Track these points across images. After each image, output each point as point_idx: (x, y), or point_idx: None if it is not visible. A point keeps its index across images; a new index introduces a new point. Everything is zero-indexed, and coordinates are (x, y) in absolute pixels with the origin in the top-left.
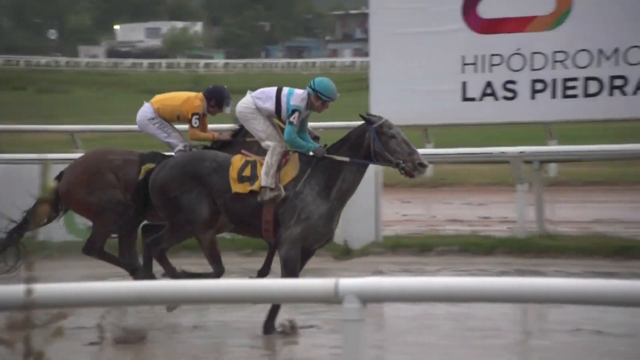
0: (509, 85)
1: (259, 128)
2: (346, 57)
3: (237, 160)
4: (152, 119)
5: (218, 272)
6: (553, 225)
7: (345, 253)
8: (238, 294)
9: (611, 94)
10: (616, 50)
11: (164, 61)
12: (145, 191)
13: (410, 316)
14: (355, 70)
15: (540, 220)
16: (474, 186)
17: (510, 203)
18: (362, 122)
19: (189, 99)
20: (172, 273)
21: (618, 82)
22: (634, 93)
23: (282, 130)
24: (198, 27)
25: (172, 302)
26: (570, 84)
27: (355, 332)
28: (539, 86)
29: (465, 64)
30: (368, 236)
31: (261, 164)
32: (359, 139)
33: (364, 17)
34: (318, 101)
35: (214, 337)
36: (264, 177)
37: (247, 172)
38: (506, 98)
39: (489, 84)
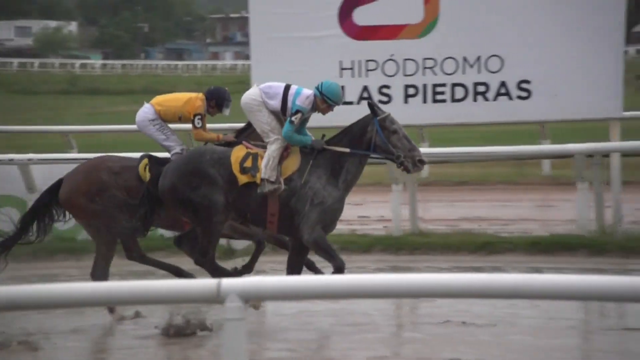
0: (384, 90)
1: (263, 120)
2: (227, 60)
3: (238, 151)
4: (153, 120)
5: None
6: (425, 223)
7: (229, 253)
8: (124, 296)
9: (475, 100)
10: (478, 59)
11: (36, 61)
12: (152, 195)
13: (292, 313)
14: (237, 73)
15: (414, 219)
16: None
17: (386, 202)
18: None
19: (190, 99)
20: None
21: (481, 89)
22: (495, 99)
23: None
24: (72, 26)
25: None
26: (439, 89)
27: (237, 330)
28: (411, 91)
29: (342, 69)
30: None
31: (262, 157)
32: (362, 131)
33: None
34: (324, 104)
35: (92, 341)
36: (264, 169)
37: (248, 163)
38: (381, 102)
39: (365, 88)
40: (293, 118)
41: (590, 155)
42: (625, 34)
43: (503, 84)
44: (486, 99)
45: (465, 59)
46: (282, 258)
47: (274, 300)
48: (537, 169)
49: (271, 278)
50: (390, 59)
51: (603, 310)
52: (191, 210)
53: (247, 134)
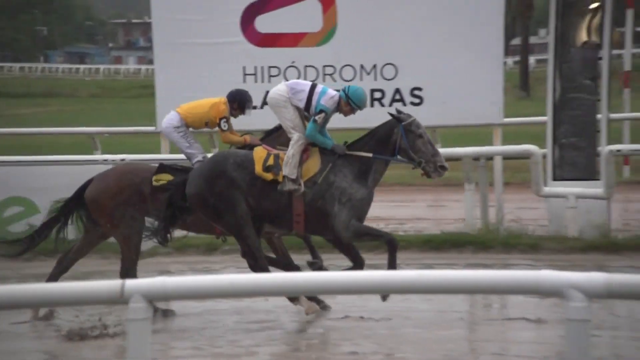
0: None
1: (288, 117)
2: (130, 64)
3: (259, 152)
4: (178, 127)
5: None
6: None
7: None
8: (27, 298)
9: (372, 105)
10: (374, 67)
11: None
12: (173, 204)
13: (197, 312)
14: (140, 77)
15: None
16: None
17: None
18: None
19: (215, 104)
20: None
21: (377, 95)
22: (390, 105)
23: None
24: None
25: None
26: None
27: (142, 330)
28: None
29: (246, 74)
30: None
31: (284, 155)
32: (387, 134)
33: (147, 26)
34: (347, 106)
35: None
36: (285, 167)
37: (270, 161)
38: None
39: (268, 94)
40: (317, 117)
41: (476, 158)
42: (504, 47)
43: (397, 91)
44: (382, 105)
45: (362, 67)
46: (190, 259)
47: (179, 300)
48: None
49: (176, 278)
50: (292, 66)
51: (487, 302)
52: (217, 215)
53: (274, 136)
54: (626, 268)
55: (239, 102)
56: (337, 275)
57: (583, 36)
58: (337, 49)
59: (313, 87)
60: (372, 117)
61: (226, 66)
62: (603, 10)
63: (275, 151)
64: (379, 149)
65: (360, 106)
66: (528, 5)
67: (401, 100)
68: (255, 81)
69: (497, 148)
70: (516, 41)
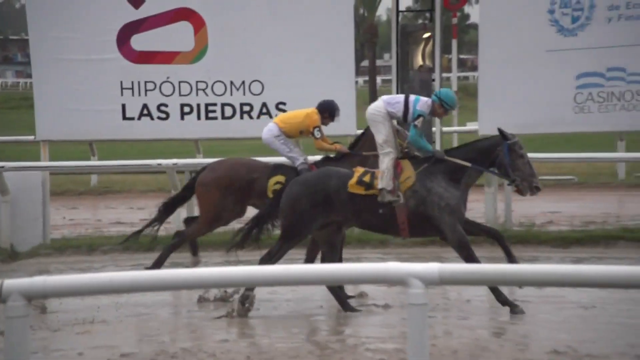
0: (162, 108)
1: (383, 132)
2: (9, 78)
3: (358, 172)
4: (278, 136)
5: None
6: None
7: (12, 256)
8: None
9: (242, 117)
10: (243, 83)
11: None
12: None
13: (77, 309)
14: (19, 90)
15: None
16: (137, 193)
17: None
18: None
19: (308, 115)
20: None
21: (246, 108)
22: (258, 117)
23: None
24: None
25: None
26: (211, 108)
27: (21, 328)
28: (186, 109)
29: (123, 88)
30: (36, 239)
31: (379, 172)
32: (490, 149)
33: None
34: (441, 109)
35: None
36: (381, 180)
37: (366, 178)
38: (160, 118)
39: (145, 106)
40: (416, 122)
41: None
42: (355, 68)
43: (264, 105)
44: (251, 117)
45: (232, 83)
46: (69, 259)
47: (57, 297)
48: None
49: (55, 277)
50: (167, 81)
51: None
52: (295, 220)
53: (361, 144)
54: (457, 258)
55: (329, 111)
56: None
57: (419, 61)
58: (209, 67)
59: (407, 97)
60: (241, 128)
61: (104, 81)
62: (434, 39)
63: (372, 170)
64: (478, 159)
65: (452, 106)
66: (374, 33)
67: (267, 113)
68: (133, 95)
69: None
70: (365, 63)
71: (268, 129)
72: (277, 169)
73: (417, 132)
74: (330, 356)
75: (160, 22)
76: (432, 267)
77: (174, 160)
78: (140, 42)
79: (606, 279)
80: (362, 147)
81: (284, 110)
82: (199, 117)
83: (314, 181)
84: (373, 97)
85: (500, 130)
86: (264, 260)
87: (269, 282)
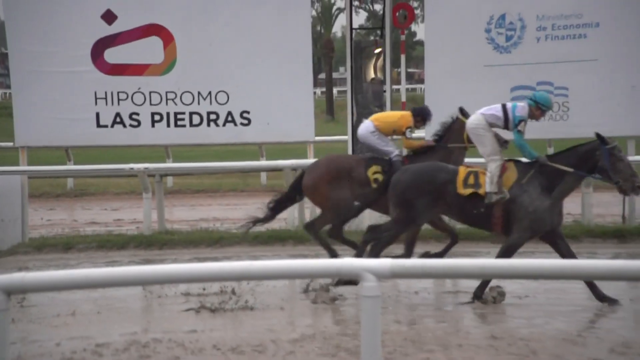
0: (134, 116)
1: (487, 143)
2: None
3: (462, 171)
4: (373, 132)
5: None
6: (171, 223)
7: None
8: None
9: (209, 125)
10: (210, 93)
11: None
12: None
13: (54, 303)
14: None
15: (162, 220)
16: (111, 195)
17: (139, 208)
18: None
19: (403, 116)
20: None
21: (212, 117)
22: (224, 125)
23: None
24: None
25: None
26: (180, 116)
27: (1, 321)
28: (157, 117)
29: (98, 98)
30: (15, 239)
31: (482, 173)
32: (588, 154)
33: (4, 55)
34: (538, 111)
35: None
36: (489, 184)
37: (470, 180)
38: (132, 126)
39: (118, 115)
40: (519, 128)
41: (294, 169)
42: (313, 80)
43: (229, 113)
44: (217, 125)
45: (199, 93)
46: (47, 256)
47: (36, 292)
48: (257, 179)
49: (34, 273)
50: (138, 91)
51: (302, 284)
52: (406, 208)
53: (445, 139)
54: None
55: (422, 115)
56: (182, 267)
57: (371, 74)
58: (178, 78)
59: (504, 106)
60: (208, 135)
61: (79, 91)
62: (384, 54)
63: (475, 168)
64: (578, 165)
65: (549, 107)
66: (330, 48)
67: (232, 121)
68: (106, 104)
69: (311, 160)
70: (322, 76)
71: (364, 126)
72: (372, 160)
73: (521, 136)
74: (290, 344)
75: (132, 37)
76: (384, 262)
77: (145, 165)
78: (113, 55)
79: (536, 271)
80: (447, 140)
81: (247, 119)
82: (168, 125)
83: (423, 171)
84: (330, 107)
85: (598, 135)
86: (374, 248)
87: (234, 277)
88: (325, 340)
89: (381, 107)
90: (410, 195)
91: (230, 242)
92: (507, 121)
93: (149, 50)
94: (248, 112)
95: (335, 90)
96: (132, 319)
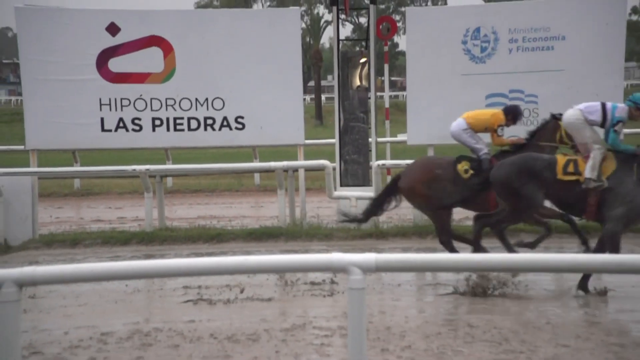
0: (136, 121)
1: (587, 135)
2: (3, 96)
3: (561, 159)
4: (465, 129)
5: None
6: (170, 221)
7: (5, 249)
8: None
9: (205, 129)
10: (206, 100)
11: None
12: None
13: (63, 295)
14: (11, 106)
15: (162, 218)
16: (115, 194)
17: (141, 206)
18: None
19: (495, 114)
20: (509, 247)
21: (209, 122)
22: (220, 129)
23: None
24: None
25: None
26: (179, 121)
27: (14, 311)
28: (157, 122)
29: (102, 104)
30: (26, 235)
31: (582, 161)
32: None
33: (17, 65)
34: (637, 112)
35: None
36: (589, 171)
37: (570, 168)
38: (134, 130)
39: (121, 120)
40: (616, 128)
41: (285, 170)
42: (303, 87)
43: (225, 119)
44: (213, 129)
45: (197, 99)
46: (56, 251)
47: (45, 285)
48: (251, 180)
49: (44, 267)
50: (140, 98)
51: (294, 277)
52: (515, 198)
53: (538, 136)
54: (390, 249)
55: (513, 114)
56: (182, 261)
57: (357, 81)
58: (177, 86)
59: (604, 105)
60: (205, 139)
61: (85, 98)
62: (369, 64)
63: (573, 157)
64: None
65: None
66: (318, 58)
67: (228, 126)
68: (110, 110)
69: (301, 162)
70: (311, 83)
71: (457, 123)
72: (460, 158)
73: (616, 136)
74: (282, 333)
75: (134, 47)
76: (369, 257)
77: (147, 166)
78: (116, 64)
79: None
80: (539, 139)
81: (242, 124)
82: (168, 129)
83: (521, 161)
84: (318, 112)
85: None
86: (501, 238)
87: (230, 271)
88: (314, 329)
89: (366, 113)
90: (516, 184)
91: (226, 238)
92: (604, 120)
93: (150, 59)
94: (242, 117)
95: (323, 96)
96: (134, 309)
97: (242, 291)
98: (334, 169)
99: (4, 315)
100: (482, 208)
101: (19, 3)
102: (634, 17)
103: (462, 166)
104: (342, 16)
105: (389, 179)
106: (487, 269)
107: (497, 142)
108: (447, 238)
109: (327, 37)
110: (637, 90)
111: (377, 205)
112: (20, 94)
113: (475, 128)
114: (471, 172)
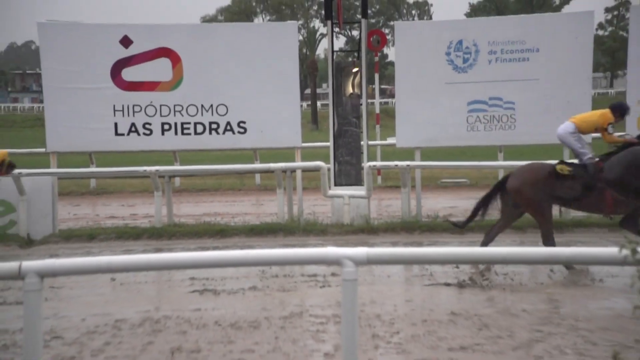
0: (147, 126)
1: None
2: (26, 103)
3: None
4: (572, 133)
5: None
6: (178, 217)
7: (28, 243)
8: None
9: (210, 133)
10: (211, 106)
11: None
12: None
13: (81, 285)
14: (34, 112)
15: (170, 215)
16: (127, 193)
17: (151, 204)
18: None
19: (603, 114)
20: None
21: (214, 126)
22: (223, 133)
23: None
24: None
25: None
26: (186, 126)
27: (36, 301)
28: (166, 127)
29: (116, 111)
30: (47, 230)
31: None
32: None
33: (39, 75)
34: None
35: None
36: None
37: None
38: (145, 134)
39: (133, 125)
40: None
41: (284, 171)
42: (300, 94)
43: (228, 123)
44: (218, 133)
45: (202, 106)
46: (74, 245)
47: (64, 276)
48: (252, 180)
49: (61, 260)
50: (150, 105)
51: (291, 271)
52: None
53: None
54: (380, 243)
55: (620, 111)
56: (193, 255)
57: (350, 89)
58: (184, 93)
59: None
60: (210, 142)
61: (100, 104)
62: (361, 73)
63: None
64: None
65: None
66: (314, 68)
67: (231, 130)
68: (123, 115)
69: (298, 164)
70: (308, 91)
71: (564, 126)
72: (560, 162)
73: None
74: (281, 320)
75: (145, 58)
76: (361, 251)
77: (156, 167)
78: (129, 74)
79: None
80: None
81: (244, 128)
82: (176, 133)
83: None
84: (314, 118)
85: None
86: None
87: (233, 264)
88: (311, 317)
89: (358, 118)
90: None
91: (229, 233)
92: None
93: (160, 69)
94: (244, 122)
95: (319, 103)
96: (145, 299)
97: (246, 281)
98: (329, 169)
99: (28, 304)
100: (596, 209)
101: (41, 19)
102: (600, 32)
103: (559, 167)
104: (336, 29)
105: (379, 179)
106: (471, 262)
107: (609, 140)
108: (549, 230)
109: (322, 49)
110: (605, 99)
111: (484, 204)
112: (41, 102)
113: (584, 130)
114: (568, 171)
